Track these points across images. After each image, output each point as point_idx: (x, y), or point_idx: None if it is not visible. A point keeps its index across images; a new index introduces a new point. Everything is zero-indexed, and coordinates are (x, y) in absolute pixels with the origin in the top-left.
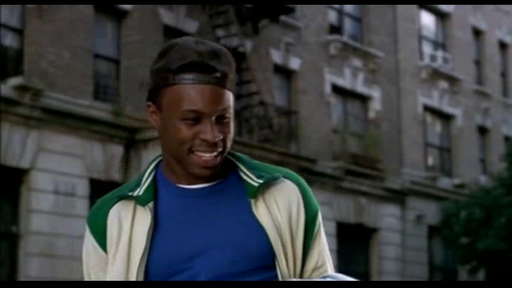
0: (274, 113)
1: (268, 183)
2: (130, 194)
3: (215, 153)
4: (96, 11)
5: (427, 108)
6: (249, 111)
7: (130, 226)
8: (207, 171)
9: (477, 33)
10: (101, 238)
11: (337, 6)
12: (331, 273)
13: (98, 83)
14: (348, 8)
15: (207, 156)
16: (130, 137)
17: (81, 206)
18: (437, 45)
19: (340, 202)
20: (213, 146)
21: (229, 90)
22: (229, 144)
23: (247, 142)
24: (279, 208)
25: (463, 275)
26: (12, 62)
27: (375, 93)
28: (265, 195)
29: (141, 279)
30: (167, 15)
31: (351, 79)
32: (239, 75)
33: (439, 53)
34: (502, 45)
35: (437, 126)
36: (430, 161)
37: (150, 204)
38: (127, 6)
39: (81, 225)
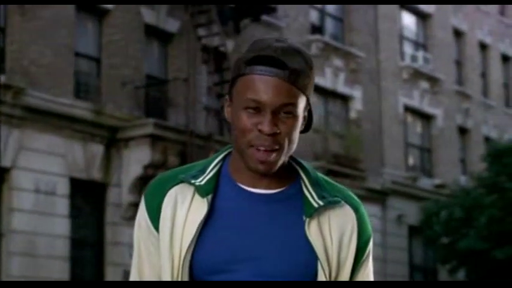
0: None
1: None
2: (192, 181)
3: (271, 149)
4: (78, 9)
5: (408, 108)
6: None
7: (186, 214)
8: (262, 167)
9: (458, 33)
10: (154, 218)
11: (318, 6)
12: None
13: (79, 81)
14: (330, 7)
15: (263, 149)
16: (111, 136)
17: (62, 205)
18: (418, 45)
19: None
20: (269, 139)
21: (299, 89)
22: (288, 144)
23: (229, 142)
24: (331, 231)
25: (443, 274)
26: None
27: (356, 93)
28: (321, 216)
29: (185, 268)
30: (148, 14)
31: (332, 79)
32: (220, 75)
33: (420, 53)
34: (483, 46)
35: (417, 126)
36: (411, 161)
37: (209, 197)
38: (108, 5)
39: (61, 224)
